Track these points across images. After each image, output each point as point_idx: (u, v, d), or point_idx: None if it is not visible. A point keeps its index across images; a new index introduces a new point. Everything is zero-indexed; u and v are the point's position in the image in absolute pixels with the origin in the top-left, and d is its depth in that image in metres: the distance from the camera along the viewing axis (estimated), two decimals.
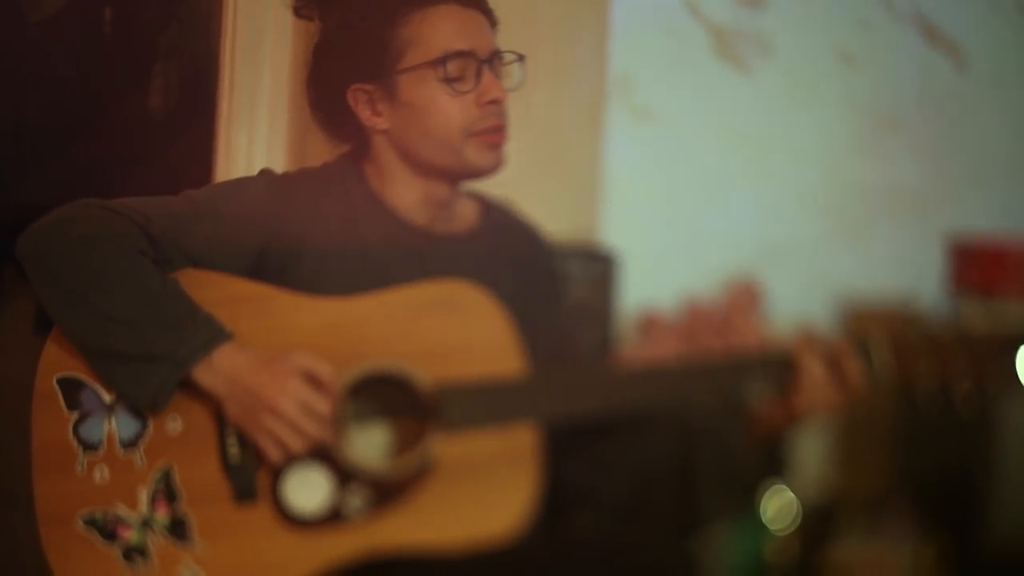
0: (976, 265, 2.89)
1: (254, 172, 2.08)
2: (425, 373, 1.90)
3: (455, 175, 1.99)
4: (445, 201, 2.02)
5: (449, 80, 1.93)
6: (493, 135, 1.95)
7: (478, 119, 1.94)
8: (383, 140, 1.99)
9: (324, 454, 1.87)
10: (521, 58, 1.98)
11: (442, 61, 1.92)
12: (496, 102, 1.95)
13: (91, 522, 1.84)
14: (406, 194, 2.00)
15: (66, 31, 2.26)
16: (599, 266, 2.65)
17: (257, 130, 2.39)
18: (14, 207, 2.07)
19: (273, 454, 1.86)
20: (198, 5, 2.36)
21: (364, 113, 1.97)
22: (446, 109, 1.94)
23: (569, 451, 2.00)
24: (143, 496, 1.85)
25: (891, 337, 1.92)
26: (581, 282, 2.53)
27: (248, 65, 2.38)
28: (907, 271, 2.93)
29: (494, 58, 1.96)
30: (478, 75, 1.94)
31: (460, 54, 1.93)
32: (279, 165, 2.37)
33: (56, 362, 1.86)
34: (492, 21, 1.99)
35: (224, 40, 2.36)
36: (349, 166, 2.03)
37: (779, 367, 1.94)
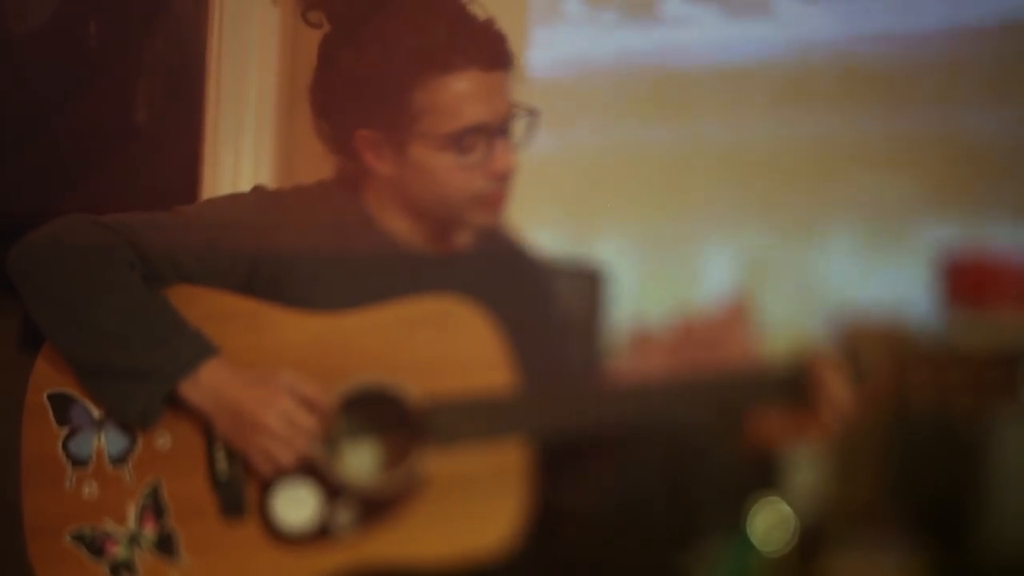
0: (968, 278, 2.89)
1: (240, 185, 2.08)
2: (415, 388, 1.89)
3: (451, 226, 1.97)
4: (439, 233, 2.00)
5: (461, 151, 1.89)
6: (496, 199, 1.93)
7: (484, 187, 1.90)
8: (383, 179, 1.95)
9: (313, 470, 1.87)
10: (532, 114, 1.92)
11: (457, 138, 1.87)
12: (505, 175, 1.91)
13: (79, 538, 1.84)
14: (401, 221, 1.98)
15: (51, 45, 2.25)
16: (589, 281, 2.65)
17: (244, 143, 2.39)
18: None
19: (263, 468, 1.85)
20: (184, 18, 2.36)
21: (367, 155, 1.92)
22: (453, 177, 1.89)
23: (559, 467, 1.99)
24: (131, 512, 1.85)
25: (888, 353, 1.91)
26: (570, 297, 2.52)
27: (234, 78, 2.38)
28: (898, 284, 2.93)
29: (508, 121, 1.90)
30: (489, 144, 1.89)
31: (475, 128, 1.88)
32: (266, 178, 2.37)
33: (47, 377, 1.86)
34: (512, 70, 1.91)
35: (210, 53, 2.36)
36: (346, 186, 2.00)
37: (774, 384, 1.93)
